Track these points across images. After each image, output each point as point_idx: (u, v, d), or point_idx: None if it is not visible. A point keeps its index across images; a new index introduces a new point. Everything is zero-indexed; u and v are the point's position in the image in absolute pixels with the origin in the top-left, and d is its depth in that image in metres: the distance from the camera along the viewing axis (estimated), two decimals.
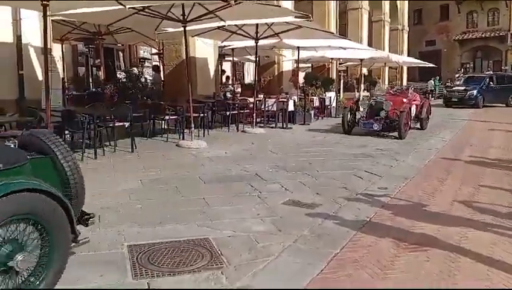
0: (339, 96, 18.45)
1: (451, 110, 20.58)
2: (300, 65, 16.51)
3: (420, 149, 9.33)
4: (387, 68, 29.00)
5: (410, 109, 11.41)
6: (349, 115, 11.42)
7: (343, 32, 22.92)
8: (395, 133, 10.65)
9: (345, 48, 14.42)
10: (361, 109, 11.39)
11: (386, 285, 3.18)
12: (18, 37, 8.39)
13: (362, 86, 19.45)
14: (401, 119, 10.42)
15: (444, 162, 7.91)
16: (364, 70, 23.33)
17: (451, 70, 37.75)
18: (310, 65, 21.80)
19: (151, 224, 4.34)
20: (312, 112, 14.33)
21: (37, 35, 8.76)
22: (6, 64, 8.22)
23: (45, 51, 6.51)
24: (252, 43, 11.77)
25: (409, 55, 31.91)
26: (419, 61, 26.79)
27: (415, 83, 33.28)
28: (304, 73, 18.65)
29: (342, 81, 21.34)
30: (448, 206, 5.17)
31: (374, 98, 11.56)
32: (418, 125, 12.61)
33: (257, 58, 13.62)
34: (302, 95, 14.47)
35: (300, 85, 15.57)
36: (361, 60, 18.50)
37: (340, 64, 22.40)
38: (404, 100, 11.44)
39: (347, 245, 3.88)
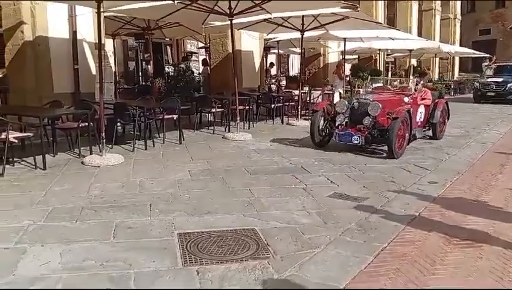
0: None
1: (482, 108, 17.95)
2: (347, 56, 16.25)
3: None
4: (437, 59, 27.99)
5: (411, 112, 7.82)
6: (322, 121, 8.11)
7: (391, 23, 22.31)
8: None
9: (393, 39, 14.02)
10: (338, 110, 7.90)
11: (437, 282, 3.12)
12: (74, 33, 8.79)
13: (411, 77, 18.86)
14: (393, 129, 7.06)
15: (499, 157, 7.58)
16: (413, 62, 22.64)
17: (507, 60, 35.88)
18: (356, 56, 21.41)
19: (199, 213, 4.46)
20: None
21: (90, 31, 9.16)
22: (64, 59, 8.63)
23: (99, 46, 6.78)
24: (297, 35, 11.70)
25: (461, 45, 30.66)
26: (472, 51, 25.61)
27: (467, 74, 31.95)
28: (350, 64, 18.34)
29: (389, 72, 20.81)
30: (503, 201, 4.97)
31: (358, 97, 8.13)
32: (431, 133, 9.25)
33: (302, 50, 13.53)
34: (348, 87, 14.25)
35: (347, 77, 15.33)
36: (410, 50, 17.95)
37: (387, 55, 21.86)
38: (406, 100, 8.10)
39: (395, 239, 3.82)
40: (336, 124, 7.83)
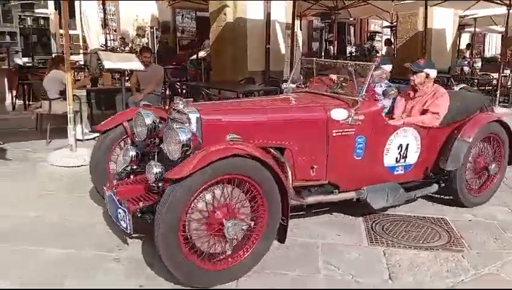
0: None
1: None
2: None
3: None
4: None
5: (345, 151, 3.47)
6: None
7: None
8: None
9: None
10: (137, 135, 3.43)
11: None
12: (268, 15, 9.34)
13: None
14: (160, 213, 2.55)
15: None
16: None
17: None
18: None
19: None
20: None
21: (282, 13, 9.63)
22: (257, 39, 9.27)
23: (292, 27, 7.11)
24: (501, 10, 10.32)
25: None
26: None
27: None
28: None
29: None
30: None
31: (174, 107, 3.09)
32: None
33: (506, 28, 11.87)
34: None
35: None
36: None
37: None
38: (340, 117, 3.40)
39: None
40: (122, 168, 3.37)
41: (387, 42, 14.88)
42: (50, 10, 12.49)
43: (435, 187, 4.00)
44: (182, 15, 14.23)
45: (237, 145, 2.75)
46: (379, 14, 13.44)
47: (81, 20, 11.78)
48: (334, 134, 3.38)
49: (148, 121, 3.27)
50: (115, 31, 12.93)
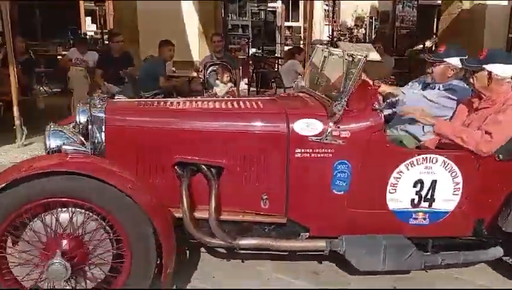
0: None
1: None
2: None
3: None
4: None
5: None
6: None
7: None
8: None
9: None
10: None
11: None
12: None
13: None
14: None
15: None
16: None
17: None
18: None
19: None
20: None
21: None
22: (499, 28, 8.26)
23: None
24: None
25: None
26: None
27: None
28: None
29: None
30: None
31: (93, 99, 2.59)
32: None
33: None
34: None
35: None
36: None
37: None
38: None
39: None
40: None
41: None
42: (278, 4, 13.51)
43: (497, 251, 2.56)
44: (403, 3, 13.63)
45: (62, 159, 2.12)
46: None
47: (304, 13, 12.40)
48: (298, 155, 2.41)
49: (82, 119, 2.56)
50: (335, 22, 13.22)
